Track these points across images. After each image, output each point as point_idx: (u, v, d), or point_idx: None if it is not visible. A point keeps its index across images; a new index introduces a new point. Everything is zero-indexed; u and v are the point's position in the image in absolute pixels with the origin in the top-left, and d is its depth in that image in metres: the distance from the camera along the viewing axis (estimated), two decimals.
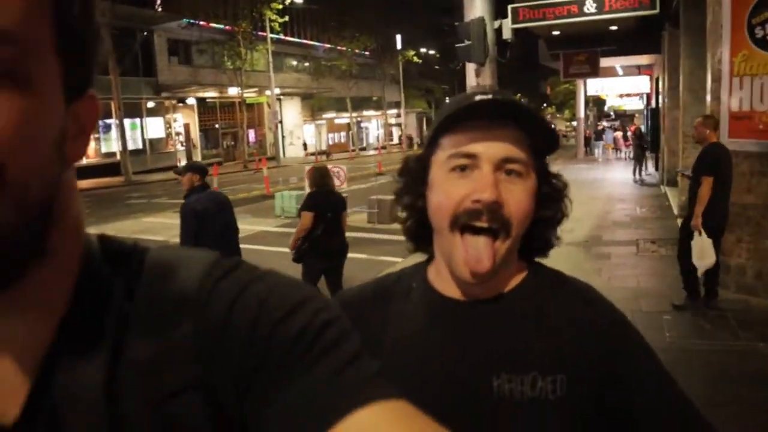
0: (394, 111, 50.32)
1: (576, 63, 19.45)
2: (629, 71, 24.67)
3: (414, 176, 1.04)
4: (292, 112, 41.57)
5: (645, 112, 25.69)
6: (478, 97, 0.95)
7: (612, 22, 13.12)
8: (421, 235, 1.06)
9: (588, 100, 33.31)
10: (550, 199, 1.02)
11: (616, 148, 29.29)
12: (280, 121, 35.89)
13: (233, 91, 33.09)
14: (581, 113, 29.63)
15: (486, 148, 0.94)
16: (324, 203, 5.46)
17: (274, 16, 29.95)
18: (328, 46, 38.31)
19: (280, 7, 28.60)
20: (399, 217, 1.10)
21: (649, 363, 0.99)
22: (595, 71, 19.65)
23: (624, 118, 42.92)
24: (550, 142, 1.01)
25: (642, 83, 24.74)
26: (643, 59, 21.25)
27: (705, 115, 5.90)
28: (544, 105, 62.92)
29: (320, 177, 5.59)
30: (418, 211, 1.04)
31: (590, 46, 18.00)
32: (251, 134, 37.78)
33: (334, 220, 5.47)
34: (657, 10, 9.26)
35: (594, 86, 26.46)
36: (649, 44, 17.63)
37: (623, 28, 15.23)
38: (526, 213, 0.96)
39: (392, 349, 1.00)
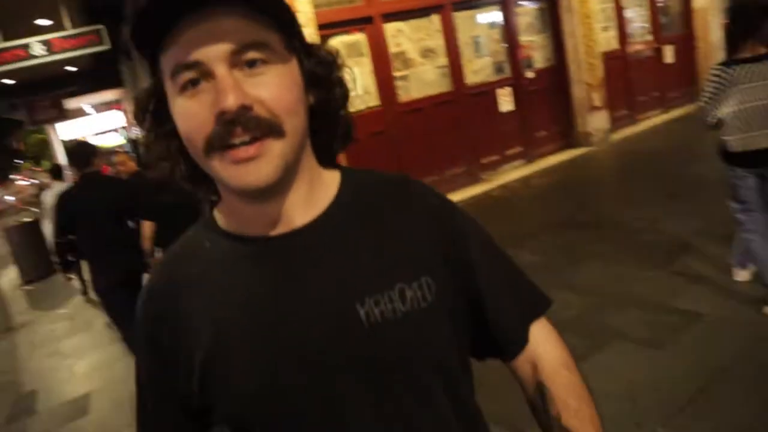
0: None
1: (41, 109, 18.49)
2: (102, 109, 24.62)
3: (154, 117, 0.84)
4: None
5: (128, 144, 26.06)
6: None
7: (68, 62, 12.94)
8: (200, 176, 0.85)
9: (67, 146, 32.07)
10: (322, 76, 0.86)
11: None
12: None
13: None
14: (62, 159, 28.32)
15: (208, 48, 0.73)
16: None
17: None
18: None
19: None
20: (165, 169, 0.86)
21: (483, 238, 0.97)
22: (63, 114, 19.05)
23: (112, 154, 42.51)
24: (285, 8, 0.81)
25: (117, 118, 25.02)
26: (111, 95, 21.52)
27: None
28: (20, 161, 57.41)
29: None
30: (179, 154, 0.84)
31: (53, 90, 17.34)
32: None
33: None
34: (108, 46, 9.54)
35: (66, 130, 25.47)
36: (112, 80, 17.98)
37: (83, 68, 15.15)
38: (292, 102, 0.78)
39: (224, 328, 0.82)
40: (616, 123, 9.56)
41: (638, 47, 10.02)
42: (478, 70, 8.35)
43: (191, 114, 0.76)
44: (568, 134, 9.16)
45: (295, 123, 0.79)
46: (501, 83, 8.47)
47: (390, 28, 7.57)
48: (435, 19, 7.93)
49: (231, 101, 0.72)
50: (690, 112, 8.95)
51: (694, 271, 4.36)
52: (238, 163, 0.75)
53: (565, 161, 8.71)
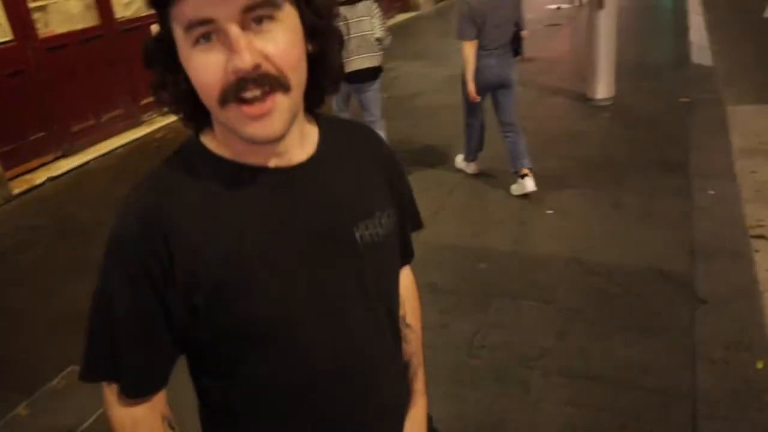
0: None
1: None
2: None
3: (164, 64, 0.88)
4: None
5: None
6: None
7: None
8: (198, 115, 0.91)
9: None
10: (321, 28, 0.90)
11: None
12: None
13: None
14: None
15: (219, 6, 0.77)
16: None
17: None
18: None
19: None
20: (169, 109, 0.92)
21: (406, 174, 1.18)
22: None
23: None
24: None
25: None
26: None
27: None
28: None
29: None
30: (186, 95, 0.88)
31: None
32: None
33: None
34: None
35: None
36: None
37: None
38: (296, 58, 0.84)
39: (240, 248, 0.89)
40: None
41: None
42: (129, 2, 7.77)
43: (206, 67, 0.80)
44: None
45: (299, 78, 0.85)
46: (155, 18, 7.95)
47: None
48: None
49: (246, 61, 0.77)
50: None
51: None
52: (253, 119, 0.82)
53: None
